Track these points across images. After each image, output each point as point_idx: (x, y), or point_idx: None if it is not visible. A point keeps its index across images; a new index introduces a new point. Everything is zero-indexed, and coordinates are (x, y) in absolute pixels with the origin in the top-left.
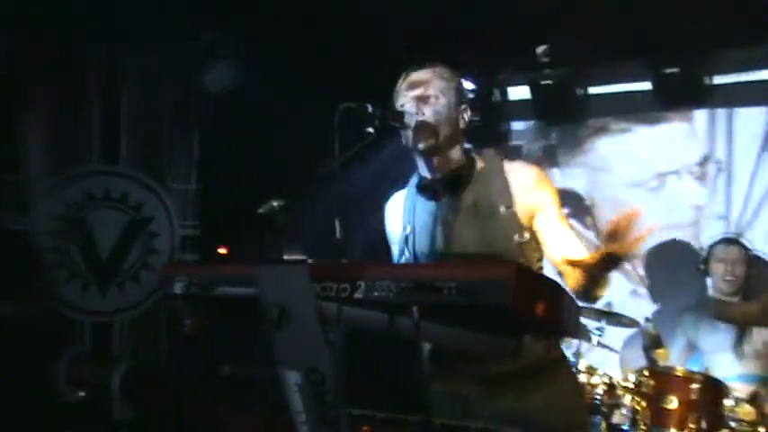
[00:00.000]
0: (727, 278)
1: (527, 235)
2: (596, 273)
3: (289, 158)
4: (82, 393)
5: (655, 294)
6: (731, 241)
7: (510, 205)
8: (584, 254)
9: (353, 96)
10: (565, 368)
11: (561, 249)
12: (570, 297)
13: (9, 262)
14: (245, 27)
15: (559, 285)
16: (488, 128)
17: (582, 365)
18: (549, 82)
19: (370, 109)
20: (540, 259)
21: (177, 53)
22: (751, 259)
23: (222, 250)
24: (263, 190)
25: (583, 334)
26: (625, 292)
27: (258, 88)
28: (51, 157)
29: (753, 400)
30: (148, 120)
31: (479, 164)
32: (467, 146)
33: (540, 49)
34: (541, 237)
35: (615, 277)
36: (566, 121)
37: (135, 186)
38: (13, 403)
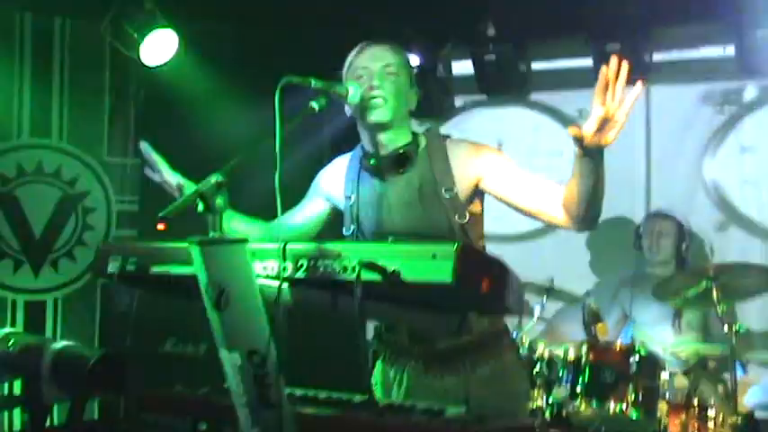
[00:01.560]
0: (653, 249)
1: (467, 215)
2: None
3: (230, 132)
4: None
5: (595, 269)
6: (659, 215)
7: (450, 187)
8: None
9: (292, 67)
10: (507, 340)
11: (531, 192)
12: (514, 275)
13: None
14: None
15: (503, 263)
16: (432, 102)
17: (524, 340)
18: (492, 57)
19: (313, 83)
20: (482, 237)
21: (116, 22)
22: (684, 233)
23: (160, 226)
24: (203, 164)
25: (525, 309)
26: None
27: (199, 59)
28: None
29: (687, 372)
30: (83, 91)
31: (422, 143)
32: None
33: (484, 24)
34: (500, 195)
35: (556, 255)
36: (509, 95)
37: (69, 160)
38: None
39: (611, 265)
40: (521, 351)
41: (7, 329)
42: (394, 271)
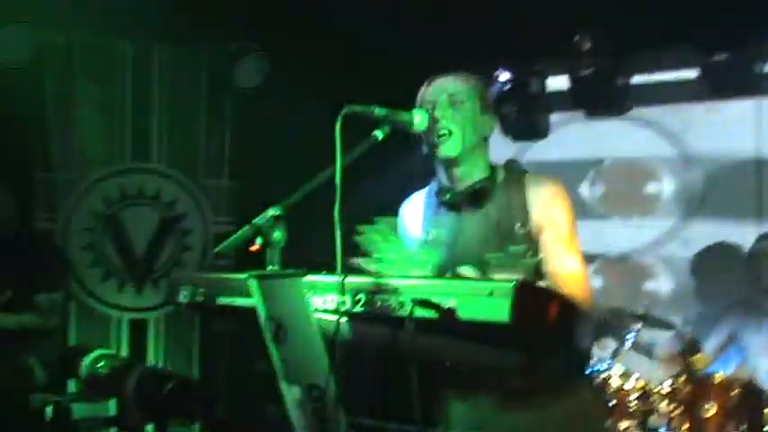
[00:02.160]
0: None
1: (539, 252)
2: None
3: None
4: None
5: (700, 295)
6: None
7: (525, 222)
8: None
9: (373, 96)
10: (584, 381)
11: (550, 267)
12: (577, 309)
13: (40, 260)
14: (273, 21)
15: (565, 298)
16: (527, 120)
17: (617, 370)
18: (588, 71)
19: (376, 111)
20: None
21: (208, 48)
22: None
23: (254, 247)
24: (295, 187)
25: (617, 338)
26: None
27: (289, 83)
28: (84, 155)
29: None
30: (180, 116)
31: (500, 176)
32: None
33: (579, 37)
34: (543, 252)
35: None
36: (606, 111)
37: (167, 183)
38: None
39: (716, 291)
40: (596, 389)
41: (102, 351)
42: (449, 308)
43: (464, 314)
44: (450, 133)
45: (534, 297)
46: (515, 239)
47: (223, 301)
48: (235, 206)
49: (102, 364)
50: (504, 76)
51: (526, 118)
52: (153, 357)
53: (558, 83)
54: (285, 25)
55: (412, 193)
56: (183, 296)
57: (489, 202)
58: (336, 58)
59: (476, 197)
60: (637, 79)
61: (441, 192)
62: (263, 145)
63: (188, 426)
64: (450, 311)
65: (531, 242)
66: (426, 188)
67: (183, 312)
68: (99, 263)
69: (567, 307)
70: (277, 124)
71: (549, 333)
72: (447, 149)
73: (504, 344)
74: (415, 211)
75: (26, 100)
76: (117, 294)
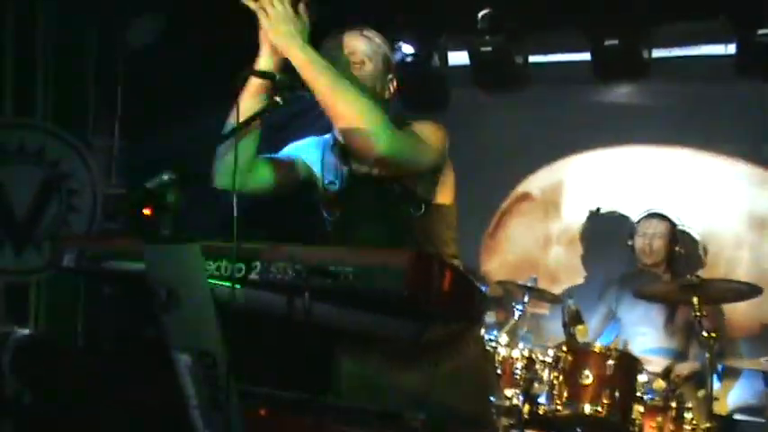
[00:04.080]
0: (646, 251)
1: (422, 206)
2: None
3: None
4: None
5: (587, 265)
6: (655, 215)
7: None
8: None
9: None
10: (470, 335)
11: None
12: (473, 284)
13: None
14: None
15: (461, 272)
16: (427, 94)
17: (503, 339)
18: (488, 48)
19: (278, 76)
20: (451, 227)
21: (101, 3)
22: (677, 234)
23: (146, 211)
24: (189, 148)
25: (507, 309)
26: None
27: (184, 43)
28: None
29: (666, 374)
30: (68, 71)
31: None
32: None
33: (482, 14)
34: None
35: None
36: (504, 89)
37: (52, 140)
38: None
39: (602, 262)
40: (499, 351)
41: None
42: (346, 277)
43: (359, 284)
44: None
45: (428, 269)
46: (395, 196)
47: (111, 265)
48: (126, 167)
49: None
50: (407, 48)
51: (426, 91)
52: (33, 323)
53: (458, 58)
54: None
55: None
56: (68, 260)
57: None
58: (235, 16)
59: None
60: (534, 59)
61: (335, 145)
62: (157, 104)
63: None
64: (347, 281)
65: (413, 196)
66: (325, 136)
67: (66, 276)
68: None
69: (462, 281)
70: (171, 83)
71: (440, 307)
72: None
73: (398, 313)
74: (311, 147)
75: None
76: None
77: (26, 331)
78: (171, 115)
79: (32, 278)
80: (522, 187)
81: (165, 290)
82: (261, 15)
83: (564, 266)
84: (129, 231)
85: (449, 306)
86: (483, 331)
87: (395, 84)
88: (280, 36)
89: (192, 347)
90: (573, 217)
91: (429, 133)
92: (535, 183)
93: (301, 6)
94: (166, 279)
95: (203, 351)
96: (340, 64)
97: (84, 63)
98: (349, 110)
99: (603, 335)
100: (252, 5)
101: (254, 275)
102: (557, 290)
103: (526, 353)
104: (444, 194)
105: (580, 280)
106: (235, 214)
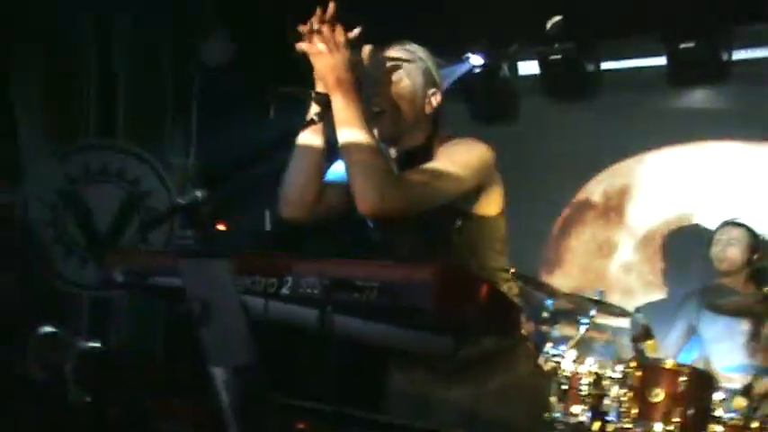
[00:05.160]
0: (720, 258)
1: (458, 221)
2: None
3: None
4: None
5: (666, 279)
6: (732, 223)
7: None
8: None
9: None
10: (523, 350)
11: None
12: (507, 298)
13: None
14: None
15: (492, 286)
16: (496, 104)
17: (570, 354)
18: (558, 57)
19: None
20: (497, 239)
21: (176, 25)
22: (756, 243)
23: (221, 227)
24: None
25: (571, 323)
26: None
27: (256, 63)
28: (48, 130)
29: (746, 392)
30: (146, 93)
31: (436, 148)
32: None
33: (551, 23)
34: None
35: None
36: (576, 97)
37: (132, 160)
38: None
39: (683, 275)
40: (564, 366)
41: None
42: (371, 292)
43: (384, 298)
44: (383, 112)
45: (456, 283)
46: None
47: (156, 281)
48: (200, 184)
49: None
50: (476, 59)
51: (496, 102)
52: (115, 336)
53: (528, 67)
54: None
55: None
56: (117, 276)
57: None
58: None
59: (403, 164)
60: (606, 65)
61: None
62: (230, 124)
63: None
64: (372, 296)
65: (451, 208)
66: None
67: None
68: (61, 240)
69: (493, 295)
70: (244, 103)
71: (473, 319)
72: (380, 129)
73: (428, 328)
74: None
75: None
76: (79, 271)
77: (91, 343)
78: (245, 135)
79: (113, 294)
80: (584, 194)
81: (199, 304)
82: (314, 58)
83: (638, 279)
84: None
85: (478, 321)
86: (550, 346)
87: (438, 98)
88: (328, 80)
89: (227, 361)
90: (643, 224)
91: (462, 155)
92: (597, 188)
93: (349, 48)
94: (200, 293)
95: (238, 365)
96: (378, 82)
97: (162, 83)
98: (354, 168)
99: (683, 352)
100: (306, 49)
101: (285, 290)
102: (632, 304)
103: (594, 368)
104: (488, 206)
105: (659, 294)
106: (267, 228)
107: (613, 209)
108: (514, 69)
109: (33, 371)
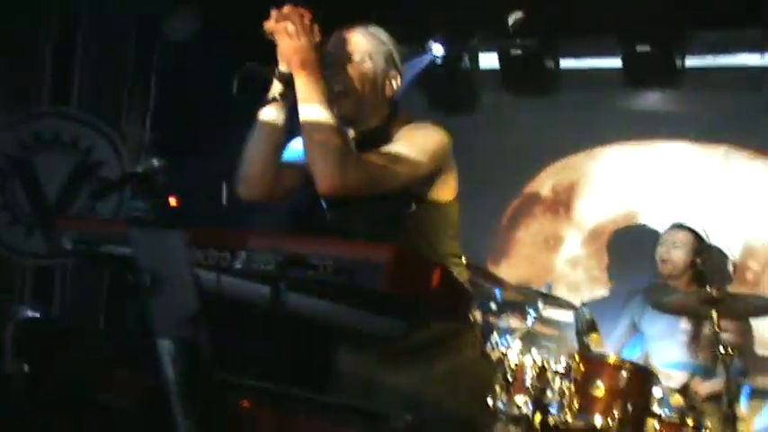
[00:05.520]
0: (664, 259)
1: (416, 203)
2: None
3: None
4: None
5: (611, 275)
6: (678, 226)
7: None
8: None
9: None
10: (469, 336)
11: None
12: (460, 284)
13: None
14: None
15: (447, 271)
16: (456, 96)
17: (515, 345)
18: (518, 52)
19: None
20: (450, 224)
21: None
22: (700, 247)
23: (172, 200)
24: (217, 140)
25: (518, 314)
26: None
27: (219, 38)
28: (0, 97)
29: (683, 389)
30: (103, 62)
31: (394, 130)
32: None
33: (513, 17)
34: None
35: (572, 262)
36: (533, 93)
37: (86, 129)
38: None
39: (627, 272)
40: (510, 357)
41: None
42: (325, 269)
43: (338, 277)
44: (345, 94)
45: (411, 265)
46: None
47: (107, 249)
48: (155, 156)
49: None
50: (437, 48)
51: (454, 92)
52: (57, 306)
53: (489, 61)
54: None
55: None
56: (66, 243)
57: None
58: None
59: (360, 146)
60: (564, 63)
61: None
62: (188, 98)
63: None
64: (326, 273)
65: (405, 194)
66: None
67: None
68: (8, 207)
69: (448, 280)
70: (203, 78)
71: (426, 302)
72: (341, 109)
73: (381, 309)
74: None
75: None
76: (25, 240)
77: (31, 312)
78: (201, 109)
79: (57, 263)
80: (533, 187)
81: (149, 274)
82: (279, 38)
83: (583, 273)
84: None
85: (431, 305)
86: (496, 336)
87: (398, 81)
88: (293, 61)
89: (174, 334)
90: (591, 220)
91: (420, 140)
92: (547, 181)
93: (315, 30)
94: (151, 264)
95: (185, 338)
96: (341, 62)
97: (120, 53)
98: (315, 148)
99: (626, 348)
100: (273, 28)
101: (238, 264)
102: (577, 298)
103: (539, 360)
104: (442, 192)
105: (604, 290)
106: (223, 202)
107: (562, 203)
108: (475, 61)
109: None
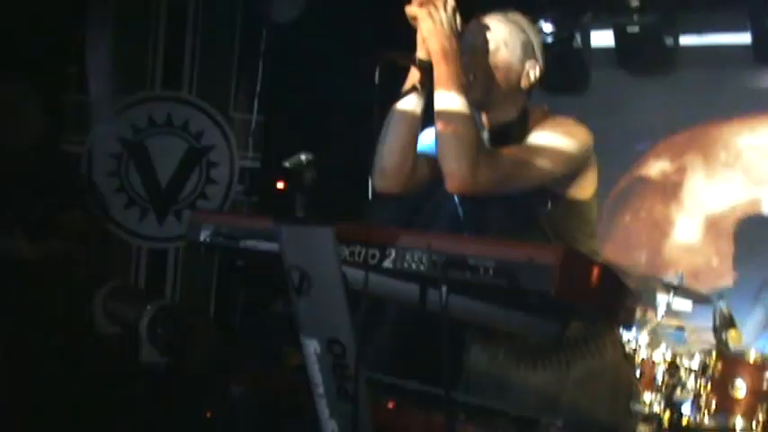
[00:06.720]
0: None
1: (548, 202)
2: None
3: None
4: (115, 330)
5: (739, 265)
6: None
7: None
8: None
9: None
10: (610, 337)
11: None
12: (624, 284)
13: (64, 183)
14: None
15: (612, 271)
16: (567, 75)
17: (643, 339)
18: (635, 29)
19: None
20: (588, 222)
21: None
22: None
23: (280, 185)
24: (325, 126)
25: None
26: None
27: (327, 22)
28: (115, 80)
29: None
30: (214, 47)
31: (532, 124)
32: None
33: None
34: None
35: (688, 249)
36: (651, 72)
37: (197, 114)
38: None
39: (757, 262)
40: (639, 351)
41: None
42: (486, 271)
43: (500, 279)
44: (476, 80)
45: (578, 266)
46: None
47: (246, 244)
48: (263, 142)
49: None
50: (547, 27)
51: (567, 72)
52: (170, 289)
53: (602, 38)
54: None
55: None
56: (204, 235)
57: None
58: None
59: (497, 140)
60: (685, 40)
61: None
62: (296, 82)
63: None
64: (488, 276)
65: (542, 191)
66: None
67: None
68: (123, 190)
69: (613, 281)
70: (311, 62)
71: (589, 307)
72: (472, 95)
73: (539, 310)
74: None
75: (63, 20)
76: (138, 223)
77: (162, 302)
78: (312, 94)
79: (171, 245)
80: (642, 169)
81: (298, 273)
82: (423, 23)
83: (700, 262)
84: (263, 210)
85: (598, 307)
86: (621, 329)
87: (537, 72)
88: (435, 48)
89: (321, 334)
90: (708, 205)
91: (559, 139)
92: (658, 162)
93: (458, 17)
94: (300, 262)
95: (333, 339)
96: (473, 51)
97: (229, 38)
98: (448, 141)
99: (759, 342)
100: (416, 12)
101: (388, 263)
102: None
103: (669, 356)
104: (582, 190)
105: (725, 280)
106: (369, 197)
107: (674, 186)
108: (587, 40)
109: (101, 326)
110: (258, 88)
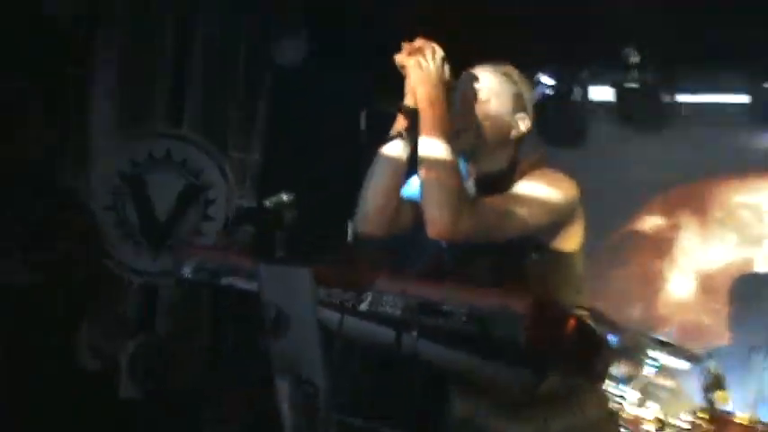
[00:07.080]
0: None
1: (537, 252)
2: None
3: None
4: (98, 364)
5: (734, 324)
6: None
7: None
8: None
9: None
10: (592, 393)
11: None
12: (599, 338)
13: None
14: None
15: (586, 324)
16: (566, 127)
17: (632, 396)
18: (634, 85)
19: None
20: (572, 274)
21: (251, 21)
22: None
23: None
24: (325, 167)
25: (637, 363)
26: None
27: (333, 66)
28: (117, 116)
29: None
30: (216, 86)
31: (519, 175)
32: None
33: (630, 49)
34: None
35: (681, 306)
36: (648, 128)
37: (196, 151)
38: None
39: (752, 323)
40: (609, 404)
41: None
42: (459, 317)
43: (473, 326)
44: (465, 131)
45: (549, 316)
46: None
47: (228, 281)
48: (260, 181)
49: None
50: (546, 80)
51: (564, 124)
52: (160, 324)
53: (600, 93)
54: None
55: None
56: (187, 271)
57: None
58: (379, 42)
59: (483, 188)
60: (682, 98)
61: None
62: (297, 124)
63: None
64: (460, 322)
65: (533, 239)
66: None
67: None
68: (120, 224)
69: (587, 334)
70: (313, 104)
71: (564, 356)
72: (459, 145)
73: (513, 360)
74: None
75: (69, 52)
76: (133, 257)
77: (144, 338)
78: (308, 135)
79: (163, 282)
80: (635, 224)
81: (274, 311)
82: (411, 71)
83: (694, 320)
84: (246, 247)
85: (571, 359)
86: (610, 385)
87: (526, 124)
88: (422, 95)
89: (294, 373)
90: (701, 263)
91: (544, 191)
92: (651, 218)
93: (446, 66)
94: (277, 300)
95: (305, 379)
96: (464, 100)
97: (230, 76)
98: (430, 188)
99: (756, 408)
100: (405, 62)
101: (364, 306)
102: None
103: (659, 414)
104: (566, 242)
105: (718, 339)
106: (349, 239)
107: (667, 242)
108: (585, 93)
109: (86, 360)
110: (258, 128)
